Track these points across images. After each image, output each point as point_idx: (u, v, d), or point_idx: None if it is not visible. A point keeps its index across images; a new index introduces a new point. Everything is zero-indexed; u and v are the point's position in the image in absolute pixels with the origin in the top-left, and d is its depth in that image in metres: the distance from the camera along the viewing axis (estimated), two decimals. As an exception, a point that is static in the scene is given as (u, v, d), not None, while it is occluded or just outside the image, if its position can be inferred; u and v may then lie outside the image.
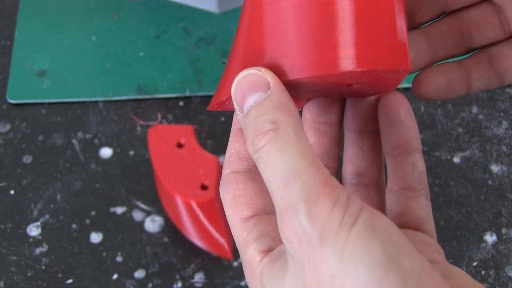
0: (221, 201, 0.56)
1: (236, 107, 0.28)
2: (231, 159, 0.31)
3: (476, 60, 0.36)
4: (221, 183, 0.31)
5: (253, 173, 0.30)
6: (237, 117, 0.29)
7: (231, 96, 0.28)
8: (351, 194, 0.25)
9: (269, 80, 0.27)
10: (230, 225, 0.30)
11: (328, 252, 0.24)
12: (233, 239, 0.58)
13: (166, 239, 0.58)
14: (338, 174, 0.35)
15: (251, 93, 0.27)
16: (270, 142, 0.26)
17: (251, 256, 0.28)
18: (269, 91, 0.27)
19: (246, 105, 0.27)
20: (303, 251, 0.25)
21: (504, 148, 0.64)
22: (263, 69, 0.28)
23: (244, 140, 0.30)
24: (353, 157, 0.34)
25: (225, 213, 0.30)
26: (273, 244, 0.28)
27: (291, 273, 0.26)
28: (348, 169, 0.34)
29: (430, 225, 0.32)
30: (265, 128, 0.26)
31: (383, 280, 0.23)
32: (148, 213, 0.60)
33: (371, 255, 0.23)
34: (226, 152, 0.31)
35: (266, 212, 0.30)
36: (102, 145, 0.64)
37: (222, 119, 0.66)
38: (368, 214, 0.24)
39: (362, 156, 0.34)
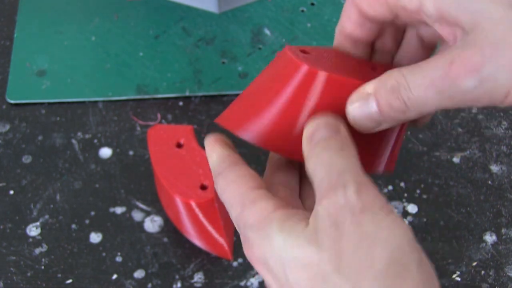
0: (220, 201, 0.56)
1: (305, 139, 0.32)
2: (229, 155, 0.35)
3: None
4: (222, 174, 0.34)
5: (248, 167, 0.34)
6: (303, 143, 0.33)
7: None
8: None
9: (341, 128, 0.32)
10: (229, 201, 0.33)
11: (368, 218, 0.28)
12: (233, 239, 0.58)
13: (165, 239, 0.58)
14: None
15: (324, 129, 0.32)
16: (336, 152, 0.31)
17: (262, 206, 0.31)
18: (340, 133, 0.32)
19: (318, 136, 0.32)
20: (341, 216, 0.29)
21: (504, 148, 0.64)
22: (338, 120, 0.32)
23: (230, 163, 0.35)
24: None
25: (224, 192, 0.34)
26: (282, 204, 0.32)
27: (311, 229, 0.29)
28: None
29: None
30: (334, 146, 0.31)
31: (408, 254, 0.28)
32: (147, 213, 0.60)
33: (403, 233, 0.28)
34: (222, 156, 0.35)
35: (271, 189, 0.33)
36: (101, 145, 0.64)
37: (222, 119, 0.66)
38: (397, 215, 0.30)
39: None
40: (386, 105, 0.32)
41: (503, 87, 0.29)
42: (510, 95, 0.29)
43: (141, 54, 0.71)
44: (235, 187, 0.33)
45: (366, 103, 0.32)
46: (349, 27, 0.36)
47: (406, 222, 0.59)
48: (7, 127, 0.66)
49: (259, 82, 0.37)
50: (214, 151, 0.35)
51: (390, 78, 0.32)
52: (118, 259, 0.57)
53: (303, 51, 0.35)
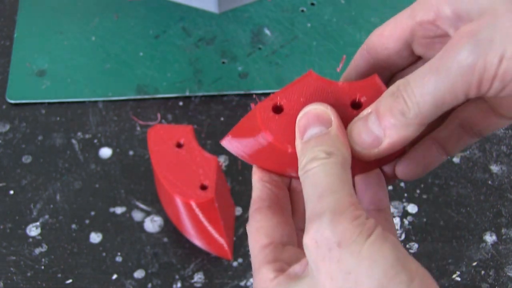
0: (220, 201, 0.56)
1: (298, 132, 0.33)
2: (256, 200, 0.36)
3: (448, 132, 0.37)
4: (248, 221, 0.36)
5: (272, 208, 0.35)
6: (296, 140, 0.33)
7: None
8: (370, 217, 0.30)
9: (332, 118, 0.32)
10: (250, 253, 0.35)
11: (346, 253, 0.28)
12: (233, 239, 0.58)
13: (165, 239, 0.58)
14: None
15: (314, 124, 0.32)
16: (320, 165, 0.31)
17: (264, 275, 0.32)
18: (330, 128, 0.32)
19: (308, 134, 0.32)
20: (319, 252, 0.29)
21: (504, 148, 0.64)
22: (329, 107, 0.33)
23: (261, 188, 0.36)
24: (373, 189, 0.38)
25: (249, 243, 0.35)
26: (285, 267, 0.33)
27: (308, 279, 0.30)
28: (367, 198, 0.38)
29: None
30: (320, 156, 0.31)
31: (394, 277, 0.27)
32: (147, 213, 0.60)
33: (384, 257, 0.28)
34: (252, 198, 0.37)
35: (283, 242, 0.34)
36: (101, 145, 0.64)
37: (222, 119, 0.66)
38: (381, 230, 0.29)
39: (378, 190, 0.38)
40: (386, 112, 0.31)
41: (497, 50, 0.28)
42: (503, 62, 0.28)
43: (141, 54, 0.71)
44: (253, 242, 0.34)
45: (366, 120, 0.32)
46: (355, 76, 0.37)
47: (406, 222, 0.59)
48: (7, 127, 0.66)
49: (246, 120, 0.37)
50: (255, 188, 0.37)
51: (392, 86, 0.31)
52: (118, 259, 0.57)
53: (276, 108, 0.35)
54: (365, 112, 0.32)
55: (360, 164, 0.34)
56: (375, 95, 0.33)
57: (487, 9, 0.29)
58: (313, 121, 0.32)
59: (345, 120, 0.33)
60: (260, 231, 0.34)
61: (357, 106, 0.34)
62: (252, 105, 0.36)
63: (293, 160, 0.34)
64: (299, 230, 0.36)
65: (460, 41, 0.29)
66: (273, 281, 0.32)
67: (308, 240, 0.29)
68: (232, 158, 0.63)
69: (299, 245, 0.35)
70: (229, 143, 0.37)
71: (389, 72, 0.37)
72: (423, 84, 0.30)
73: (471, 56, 0.28)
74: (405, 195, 0.61)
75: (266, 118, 0.34)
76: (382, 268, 0.27)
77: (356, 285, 0.28)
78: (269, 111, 0.34)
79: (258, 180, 0.37)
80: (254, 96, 0.66)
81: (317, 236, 0.29)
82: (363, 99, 0.34)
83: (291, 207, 0.37)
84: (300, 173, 0.32)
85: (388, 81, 0.38)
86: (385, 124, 0.31)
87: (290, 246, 0.34)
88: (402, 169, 0.37)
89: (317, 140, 0.32)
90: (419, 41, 0.34)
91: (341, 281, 0.28)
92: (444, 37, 0.33)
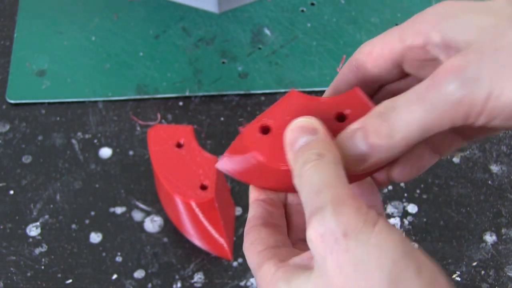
0: (220, 201, 0.56)
1: (287, 147, 0.33)
2: (250, 220, 0.37)
3: (441, 136, 0.37)
4: (244, 237, 0.36)
5: (266, 225, 0.36)
6: (287, 154, 0.33)
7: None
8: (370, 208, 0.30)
9: (317, 127, 0.33)
10: (249, 265, 0.35)
11: (353, 243, 0.28)
12: (233, 239, 0.58)
13: (165, 239, 0.58)
14: None
15: (301, 135, 0.33)
16: (313, 166, 0.31)
17: (265, 272, 0.33)
18: (317, 135, 0.33)
19: (297, 144, 0.33)
20: (325, 245, 0.28)
21: (504, 148, 0.64)
22: (313, 118, 0.33)
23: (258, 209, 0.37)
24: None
25: (246, 259, 0.35)
26: (284, 260, 0.33)
27: (315, 272, 0.30)
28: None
29: None
30: (311, 158, 0.31)
31: (405, 268, 0.27)
32: (147, 213, 0.60)
33: (394, 245, 0.28)
34: (247, 218, 0.37)
35: (278, 246, 0.35)
36: (101, 145, 0.64)
37: (222, 119, 0.66)
38: (384, 220, 0.29)
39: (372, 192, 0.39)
40: (373, 132, 0.31)
41: (484, 88, 0.28)
42: (491, 100, 0.29)
43: (141, 54, 0.71)
44: (249, 253, 0.35)
45: (353, 136, 0.32)
46: (345, 89, 0.37)
47: (406, 222, 0.59)
48: (7, 127, 0.66)
49: (236, 143, 0.37)
50: (250, 208, 0.37)
51: (379, 106, 0.32)
52: (118, 259, 0.57)
53: (263, 129, 0.35)
54: (352, 126, 0.33)
55: (352, 174, 0.35)
56: (359, 107, 0.34)
57: (474, 42, 0.30)
58: (299, 133, 0.33)
59: (332, 133, 0.34)
60: (254, 243, 0.35)
61: (342, 119, 0.35)
62: (240, 129, 0.36)
63: (286, 176, 0.34)
64: (294, 242, 0.37)
65: (447, 76, 0.29)
66: (275, 274, 0.32)
67: (312, 234, 0.29)
68: (232, 158, 0.63)
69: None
70: (224, 165, 0.37)
71: (379, 84, 0.37)
72: (410, 112, 0.30)
73: (457, 93, 0.29)
74: (405, 195, 0.61)
75: (254, 139, 0.35)
76: (392, 257, 0.27)
77: (366, 274, 0.28)
78: (256, 132, 0.35)
79: (254, 200, 0.37)
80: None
81: (321, 229, 0.29)
82: (347, 111, 0.34)
83: (286, 224, 0.37)
84: (295, 181, 0.32)
85: (377, 91, 0.38)
86: (371, 144, 0.32)
87: (286, 248, 0.35)
88: (397, 173, 0.37)
89: (307, 147, 0.32)
90: (410, 63, 0.35)
91: (351, 271, 0.28)
92: (434, 60, 0.34)
